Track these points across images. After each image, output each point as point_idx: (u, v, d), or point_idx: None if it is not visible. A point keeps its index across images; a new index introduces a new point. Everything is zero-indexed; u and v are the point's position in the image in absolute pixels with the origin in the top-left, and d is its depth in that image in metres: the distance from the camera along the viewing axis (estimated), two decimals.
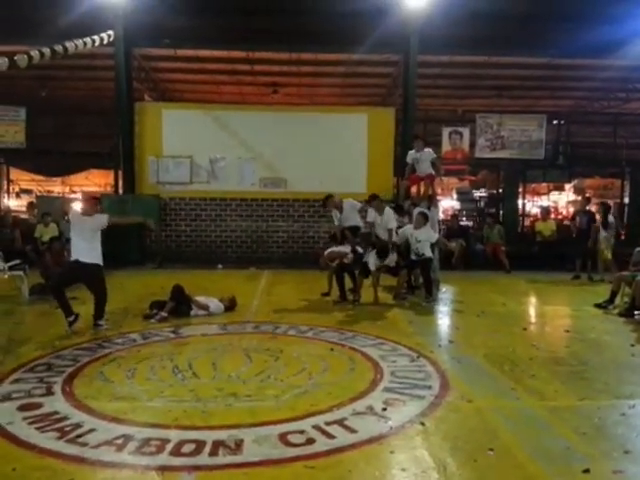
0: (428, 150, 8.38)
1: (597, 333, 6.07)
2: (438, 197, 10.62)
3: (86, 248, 5.83)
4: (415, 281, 8.37)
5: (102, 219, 6.02)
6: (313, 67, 12.86)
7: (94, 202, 6.41)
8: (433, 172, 8.42)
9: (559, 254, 11.01)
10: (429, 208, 8.21)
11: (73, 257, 5.89)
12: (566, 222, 12.84)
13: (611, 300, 7.32)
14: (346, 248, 7.69)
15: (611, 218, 10.05)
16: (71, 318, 5.73)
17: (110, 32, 10.48)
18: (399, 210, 8.64)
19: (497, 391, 4.18)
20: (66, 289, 6.02)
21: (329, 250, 7.86)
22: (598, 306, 7.35)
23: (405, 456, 3.10)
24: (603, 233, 9.86)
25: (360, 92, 15.09)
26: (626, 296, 7.25)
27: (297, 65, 12.72)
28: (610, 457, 3.07)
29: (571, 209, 16.75)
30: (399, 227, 8.08)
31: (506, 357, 5.01)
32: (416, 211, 8.08)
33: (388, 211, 7.98)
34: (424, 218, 7.73)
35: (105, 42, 10.27)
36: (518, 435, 3.35)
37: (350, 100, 15.39)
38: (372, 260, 7.44)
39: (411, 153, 8.52)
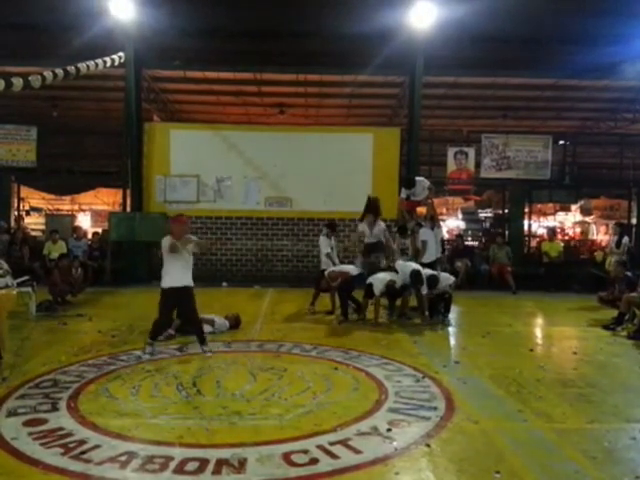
0: (421, 179, 8.85)
1: (605, 355, 6.02)
2: (441, 217, 10.75)
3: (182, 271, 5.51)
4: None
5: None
6: (319, 88, 13.02)
7: (183, 223, 5.65)
8: (429, 197, 8.71)
9: (566, 275, 10.91)
10: (433, 228, 8.33)
11: (168, 284, 5.47)
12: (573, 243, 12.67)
13: (619, 322, 7.26)
14: (348, 267, 7.70)
15: (625, 239, 9.83)
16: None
17: (121, 54, 10.70)
18: (402, 231, 8.66)
19: (504, 413, 4.13)
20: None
21: (330, 269, 7.90)
22: (606, 328, 7.29)
23: (410, 478, 3.06)
24: (615, 256, 9.63)
25: (366, 112, 15.24)
26: (634, 318, 7.18)
27: (303, 86, 12.89)
28: None
29: (577, 229, 16.72)
30: (402, 249, 8.15)
31: (512, 378, 4.97)
32: (422, 231, 8.18)
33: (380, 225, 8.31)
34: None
35: (116, 63, 10.49)
36: (525, 458, 3.30)
37: (356, 120, 15.54)
38: (378, 284, 7.38)
39: (404, 190, 8.79)
